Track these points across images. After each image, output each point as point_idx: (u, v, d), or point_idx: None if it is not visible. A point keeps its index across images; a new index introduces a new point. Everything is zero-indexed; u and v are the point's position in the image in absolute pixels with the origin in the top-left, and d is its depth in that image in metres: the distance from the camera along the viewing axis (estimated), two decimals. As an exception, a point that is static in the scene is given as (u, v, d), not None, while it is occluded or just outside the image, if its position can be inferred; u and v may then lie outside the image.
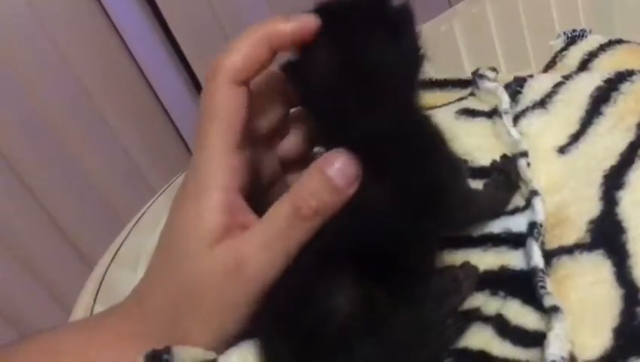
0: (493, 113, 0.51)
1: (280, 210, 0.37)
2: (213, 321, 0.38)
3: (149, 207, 0.69)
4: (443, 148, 0.40)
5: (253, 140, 0.41)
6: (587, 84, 0.49)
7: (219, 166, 0.38)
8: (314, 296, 0.36)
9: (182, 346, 0.38)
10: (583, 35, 0.58)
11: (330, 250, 0.37)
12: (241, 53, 0.38)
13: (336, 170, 0.36)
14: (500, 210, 0.45)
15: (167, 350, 0.36)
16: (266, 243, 0.37)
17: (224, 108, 0.38)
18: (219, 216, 0.37)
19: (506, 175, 0.46)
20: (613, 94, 0.47)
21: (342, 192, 0.36)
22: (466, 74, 0.59)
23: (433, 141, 0.40)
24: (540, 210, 0.42)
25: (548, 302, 0.37)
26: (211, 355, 0.38)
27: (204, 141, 0.38)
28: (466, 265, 0.41)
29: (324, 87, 0.38)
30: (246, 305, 0.37)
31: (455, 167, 0.42)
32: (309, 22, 0.37)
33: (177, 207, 0.39)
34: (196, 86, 1.00)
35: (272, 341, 0.38)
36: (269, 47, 0.38)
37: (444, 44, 0.96)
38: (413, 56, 0.39)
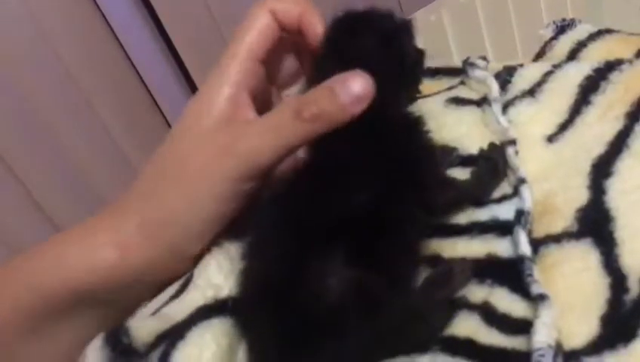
0: (482, 102, 0.51)
1: (282, 108, 0.42)
2: (192, 190, 0.41)
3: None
4: (418, 132, 0.43)
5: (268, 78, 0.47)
6: (576, 74, 0.49)
7: (238, 64, 0.43)
8: (305, 276, 0.36)
9: (137, 319, 0.39)
10: (572, 25, 0.57)
11: (322, 232, 0.37)
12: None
13: (343, 87, 0.40)
14: (482, 197, 0.45)
15: (125, 330, 0.37)
16: (261, 131, 0.41)
17: (260, 25, 0.44)
18: (226, 104, 0.42)
19: (492, 162, 0.46)
20: (603, 83, 0.47)
21: (343, 107, 0.39)
22: (455, 63, 0.58)
23: (410, 126, 0.43)
24: (528, 198, 0.42)
25: (535, 290, 0.37)
26: (170, 322, 0.38)
27: (231, 46, 0.44)
28: (463, 260, 0.41)
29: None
30: (227, 182, 0.40)
31: (428, 150, 0.43)
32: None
33: (194, 96, 0.44)
34: (182, 71, 0.99)
35: (258, 321, 0.37)
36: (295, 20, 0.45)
37: (433, 33, 0.96)
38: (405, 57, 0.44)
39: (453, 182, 0.45)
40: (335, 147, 0.41)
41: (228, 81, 0.43)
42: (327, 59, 0.44)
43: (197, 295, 0.40)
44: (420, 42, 0.47)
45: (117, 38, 0.92)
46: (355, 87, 0.39)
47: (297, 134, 0.40)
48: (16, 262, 0.42)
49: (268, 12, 0.44)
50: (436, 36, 0.96)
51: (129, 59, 0.94)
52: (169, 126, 1.01)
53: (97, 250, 0.41)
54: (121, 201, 0.43)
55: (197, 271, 0.42)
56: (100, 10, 0.89)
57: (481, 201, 0.44)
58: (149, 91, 0.98)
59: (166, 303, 0.41)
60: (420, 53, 0.46)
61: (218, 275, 0.41)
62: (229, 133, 0.41)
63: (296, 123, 0.40)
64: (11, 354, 0.40)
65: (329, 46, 0.44)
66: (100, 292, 0.40)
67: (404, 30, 0.44)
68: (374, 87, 0.39)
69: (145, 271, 0.41)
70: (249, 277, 0.39)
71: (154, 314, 0.40)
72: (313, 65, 0.46)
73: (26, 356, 0.41)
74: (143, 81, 0.97)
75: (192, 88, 1.01)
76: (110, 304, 0.42)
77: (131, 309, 0.42)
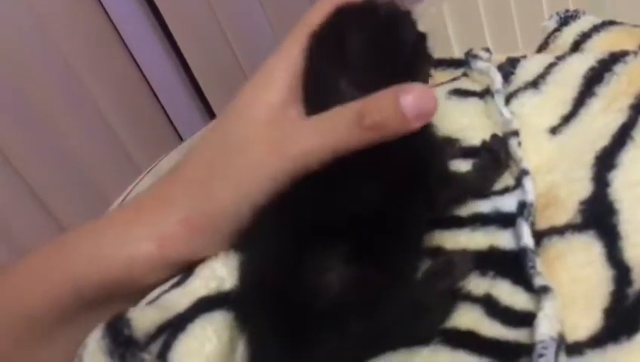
0: (485, 93, 0.50)
1: (344, 111, 0.39)
2: (241, 186, 0.40)
3: (135, 186, 0.69)
4: (425, 130, 0.41)
5: None
6: (580, 65, 0.49)
7: (299, 48, 0.42)
8: (304, 271, 0.36)
9: (138, 309, 0.37)
10: (576, 16, 0.57)
11: (322, 228, 0.37)
12: None
13: (409, 100, 0.37)
14: (485, 189, 0.44)
15: (126, 321, 0.36)
16: (317, 133, 0.39)
17: (326, 14, 0.43)
18: (283, 91, 0.41)
19: (494, 154, 0.46)
20: (607, 75, 0.47)
21: (406, 122, 0.37)
22: (455, 55, 0.58)
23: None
24: (530, 190, 0.42)
25: (538, 282, 0.37)
26: (171, 312, 0.38)
27: (295, 31, 0.43)
28: (464, 251, 0.41)
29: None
30: (275, 181, 0.39)
31: (434, 148, 0.43)
32: None
33: (250, 79, 0.43)
34: (184, 66, 0.99)
35: (257, 315, 0.37)
36: None
37: (434, 25, 0.95)
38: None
39: (456, 178, 0.45)
40: None
41: (287, 66, 0.42)
42: (320, 51, 0.42)
43: (200, 284, 0.40)
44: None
45: (119, 34, 0.92)
46: (422, 102, 0.38)
47: (354, 140, 0.38)
48: (48, 251, 0.42)
49: (335, 5, 0.44)
50: (436, 28, 0.96)
51: (131, 55, 0.94)
52: (170, 122, 1.01)
53: (136, 244, 0.40)
54: (162, 193, 0.42)
55: (201, 265, 0.42)
56: (102, 5, 0.89)
57: (483, 193, 0.44)
58: (150, 87, 0.98)
59: (167, 291, 0.40)
60: (422, 37, 0.45)
61: (223, 268, 0.41)
62: (281, 128, 0.40)
63: (356, 130, 0.38)
64: (44, 342, 0.40)
65: (321, 39, 0.43)
66: (136, 285, 0.40)
67: (400, 17, 0.43)
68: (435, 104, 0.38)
69: (185, 261, 0.41)
70: (248, 272, 0.39)
71: (154, 301, 0.40)
72: (305, 56, 0.43)
73: (53, 349, 0.40)
74: (145, 77, 0.97)
75: (194, 84, 1.00)
76: (143, 295, 0.41)
77: None
